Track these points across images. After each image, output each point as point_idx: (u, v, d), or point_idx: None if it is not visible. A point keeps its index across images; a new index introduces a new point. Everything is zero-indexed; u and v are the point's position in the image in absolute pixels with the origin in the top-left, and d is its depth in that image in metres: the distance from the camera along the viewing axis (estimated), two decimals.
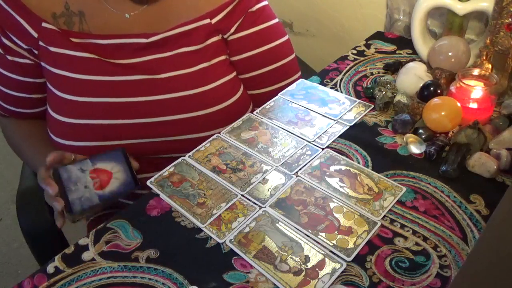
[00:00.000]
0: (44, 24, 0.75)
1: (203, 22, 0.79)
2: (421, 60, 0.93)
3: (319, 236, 0.59)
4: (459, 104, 0.73)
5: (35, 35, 0.75)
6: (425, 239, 0.59)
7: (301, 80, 0.91)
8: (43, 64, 0.77)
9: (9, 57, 0.77)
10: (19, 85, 0.81)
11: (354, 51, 1.01)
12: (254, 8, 0.83)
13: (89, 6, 0.76)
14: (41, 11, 0.75)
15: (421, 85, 0.78)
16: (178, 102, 0.78)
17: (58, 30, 0.75)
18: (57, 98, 0.77)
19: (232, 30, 0.81)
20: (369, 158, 0.72)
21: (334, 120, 0.79)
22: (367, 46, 1.03)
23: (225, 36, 0.81)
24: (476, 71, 0.77)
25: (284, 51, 0.89)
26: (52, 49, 0.75)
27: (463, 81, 0.76)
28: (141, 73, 0.77)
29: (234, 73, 0.85)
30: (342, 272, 0.55)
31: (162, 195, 0.67)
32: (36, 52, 0.76)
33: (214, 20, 0.79)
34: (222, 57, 0.82)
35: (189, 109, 0.78)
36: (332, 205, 0.64)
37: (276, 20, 0.87)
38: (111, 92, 0.76)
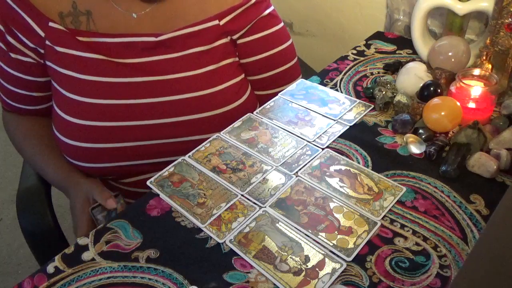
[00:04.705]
0: (51, 24, 0.74)
1: (211, 24, 0.79)
2: (421, 60, 0.93)
3: (319, 236, 0.59)
4: (459, 104, 0.73)
5: (42, 34, 0.75)
6: (425, 239, 0.59)
7: (301, 80, 0.91)
8: (49, 63, 0.77)
9: (12, 55, 0.77)
10: (21, 82, 0.81)
11: (354, 51, 1.01)
12: (265, 13, 0.84)
13: (97, 6, 0.76)
14: (48, 11, 0.75)
15: (421, 85, 0.78)
16: (186, 103, 0.78)
17: (65, 30, 0.75)
18: (64, 97, 0.77)
19: (242, 32, 0.82)
20: (369, 158, 0.72)
21: (334, 120, 0.79)
22: (367, 46, 1.03)
23: (233, 38, 0.82)
24: (476, 71, 0.77)
25: (291, 54, 0.91)
26: (59, 49, 0.75)
27: (463, 81, 0.76)
28: (149, 74, 0.77)
29: (242, 75, 0.86)
30: (342, 272, 0.55)
31: (162, 195, 0.67)
32: (42, 51, 0.76)
33: (222, 22, 0.79)
34: (230, 60, 0.83)
35: (197, 111, 0.79)
36: (332, 205, 0.64)
37: (282, 23, 0.88)
38: (118, 94, 0.76)
